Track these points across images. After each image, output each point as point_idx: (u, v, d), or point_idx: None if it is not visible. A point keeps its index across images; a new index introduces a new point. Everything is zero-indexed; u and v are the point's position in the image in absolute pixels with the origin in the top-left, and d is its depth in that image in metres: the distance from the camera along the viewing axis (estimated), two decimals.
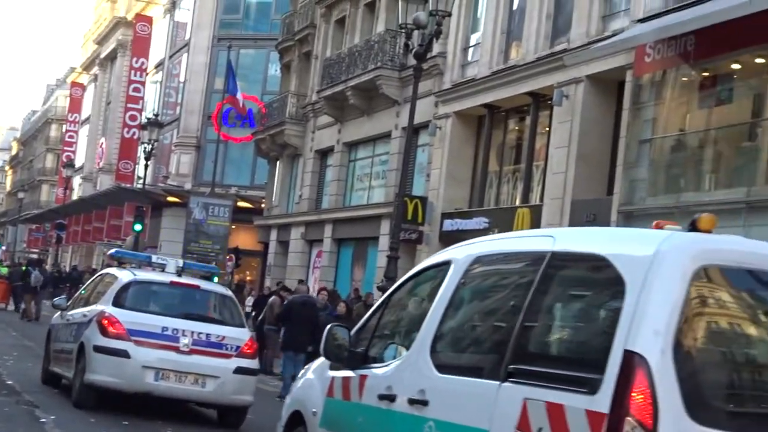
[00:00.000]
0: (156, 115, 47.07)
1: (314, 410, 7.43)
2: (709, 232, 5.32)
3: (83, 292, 16.67)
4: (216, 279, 16.00)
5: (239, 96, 43.59)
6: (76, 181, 79.11)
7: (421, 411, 6.09)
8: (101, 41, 77.47)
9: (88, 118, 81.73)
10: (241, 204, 45.06)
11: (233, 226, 42.67)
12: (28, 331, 27.65)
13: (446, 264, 6.68)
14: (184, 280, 14.92)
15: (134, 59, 62.01)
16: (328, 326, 7.42)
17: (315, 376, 7.74)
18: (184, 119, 53.04)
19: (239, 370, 13.69)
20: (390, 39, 30.92)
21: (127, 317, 13.73)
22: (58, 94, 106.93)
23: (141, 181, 46.83)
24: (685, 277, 4.95)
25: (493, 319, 6.15)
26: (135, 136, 58.78)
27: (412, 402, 6.19)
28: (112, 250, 18.03)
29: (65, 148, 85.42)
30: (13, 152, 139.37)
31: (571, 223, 21.75)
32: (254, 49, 50.53)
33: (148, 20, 62.59)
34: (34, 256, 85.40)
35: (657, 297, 4.91)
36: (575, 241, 5.91)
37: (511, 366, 5.47)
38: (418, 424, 6.06)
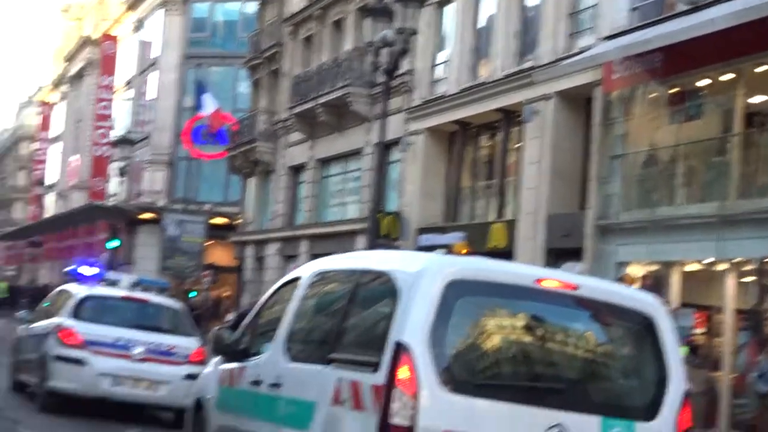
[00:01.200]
0: (128, 133, 46.72)
1: (209, 396, 9.22)
2: (460, 254, 7.38)
3: (45, 305, 17.67)
4: (164, 293, 17.40)
5: (209, 114, 43.19)
6: (50, 197, 78.48)
7: (277, 392, 7.90)
8: (70, 59, 76.86)
9: (59, 136, 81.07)
10: (216, 221, 44.77)
11: (209, 242, 42.39)
12: None
13: (297, 279, 8.58)
14: (135, 294, 16.24)
15: (102, 77, 61.56)
16: (215, 329, 9.61)
17: (212, 369, 9.54)
18: (156, 136, 52.65)
19: (189, 377, 14.16)
20: (358, 57, 30.78)
21: (84, 328, 14.90)
22: (28, 112, 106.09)
23: (113, 198, 46.47)
24: (439, 286, 6.71)
25: (323, 320, 7.95)
26: (106, 154, 58.32)
27: (270, 386, 8.00)
28: (67, 268, 19.41)
29: (37, 166, 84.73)
30: None
31: (547, 238, 21.75)
32: (223, 67, 50.25)
33: (114, 39, 62.14)
34: (12, 273, 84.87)
35: (419, 301, 6.68)
36: (375, 261, 7.98)
37: (330, 355, 7.28)
38: (275, 401, 7.89)
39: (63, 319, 15.28)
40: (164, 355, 14.91)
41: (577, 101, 21.93)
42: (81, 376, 14.61)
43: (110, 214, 47.27)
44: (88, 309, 15.45)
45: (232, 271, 43.29)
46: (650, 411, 7.00)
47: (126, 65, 60.59)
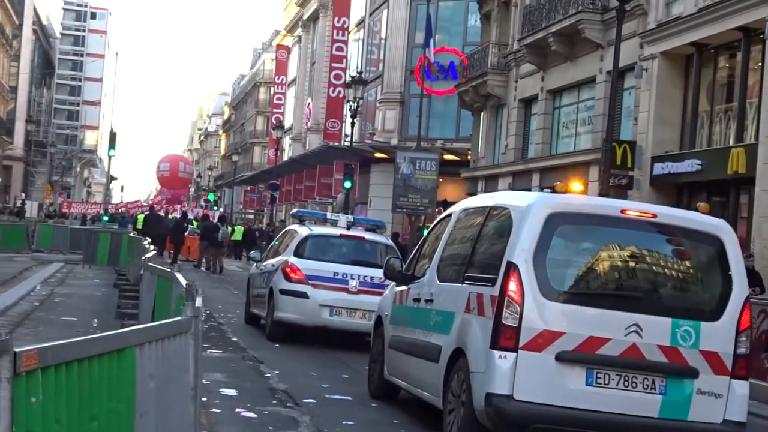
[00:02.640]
0: (360, 73, 47.64)
1: (386, 313, 11.77)
2: (563, 193, 9.31)
3: (274, 244, 19.89)
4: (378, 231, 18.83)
5: (430, 52, 43.44)
6: (286, 141, 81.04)
7: (430, 306, 10.22)
8: (303, 3, 78.82)
9: (294, 80, 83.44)
10: (447, 157, 45.23)
11: (440, 179, 42.86)
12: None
13: (450, 215, 10.92)
14: (352, 232, 17.80)
15: (336, 19, 62.74)
16: (387, 258, 12.15)
17: (388, 292, 12.13)
18: (387, 75, 53.51)
19: None
20: None
21: (306, 265, 16.78)
22: (265, 58, 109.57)
23: (348, 139, 47.55)
24: (542, 218, 8.63)
25: (462, 247, 10.17)
26: (340, 95, 59.65)
27: (426, 301, 10.35)
28: (293, 210, 22.35)
29: (274, 110, 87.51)
30: (225, 117, 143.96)
31: None
32: (453, 1, 50.42)
33: None
34: (251, 216, 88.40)
35: (525, 229, 8.62)
36: (498, 198, 10.26)
37: (465, 274, 9.53)
38: (429, 313, 10.18)
39: (288, 257, 17.15)
40: (377, 287, 15.86)
41: None
42: (303, 308, 16.47)
43: (345, 154, 48.42)
44: (310, 247, 17.23)
45: None
46: (715, 313, 8.75)
47: (358, 5, 61.62)
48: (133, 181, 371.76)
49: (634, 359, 8.49)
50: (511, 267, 8.50)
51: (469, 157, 42.50)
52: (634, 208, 9.14)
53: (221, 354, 14.55)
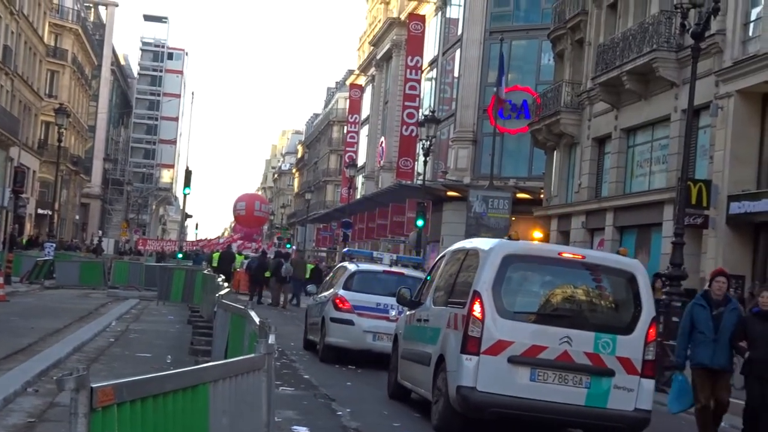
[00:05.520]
0: (432, 112, 47.77)
1: (400, 331, 14.91)
2: (517, 240, 12.17)
3: (328, 279, 22.87)
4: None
5: (502, 91, 43.49)
6: (359, 180, 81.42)
7: (426, 324, 13.28)
8: (376, 43, 79.40)
9: (367, 118, 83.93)
10: (520, 195, 45.10)
11: (513, 218, 42.76)
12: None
13: (444, 255, 14.10)
14: (393, 269, 20.32)
15: (409, 58, 63.05)
16: (398, 289, 15.40)
17: (402, 315, 15.38)
18: (460, 114, 53.59)
19: None
20: (665, 20, 30.13)
21: (353, 297, 19.27)
22: (338, 97, 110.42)
23: (421, 178, 47.61)
24: (498, 259, 11.59)
25: (448, 279, 13.14)
26: (413, 134, 59.85)
27: (424, 321, 13.43)
28: (345, 249, 26.59)
29: (347, 149, 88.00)
30: (299, 155, 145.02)
31: None
32: (526, 40, 50.46)
33: (421, 19, 63.59)
34: (323, 254, 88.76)
35: (487, 267, 11.60)
36: (473, 243, 13.30)
37: (448, 299, 12.54)
38: (426, 330, 13.22)
39: (338, 290, 19.67)
40: None
41: None
42: (350, 334, 18.99)
43: (417, 193, 48.50)
44: (357, 281, 19.72)
45: None
46: (629, 329, 11.64)
47: (430, 44, 61.89)
48: (208, 218, 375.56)
49: (565, 362, 11.34)
50: (476, 294, 11.50)
51: (542, 196, 42.33)
52: (569, 251, 12.34)
53: (293, 391, 14.66)
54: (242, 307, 11.84)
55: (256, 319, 9.87)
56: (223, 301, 14.74)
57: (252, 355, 6.81)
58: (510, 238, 12.18)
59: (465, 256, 12.71)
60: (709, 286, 12.86)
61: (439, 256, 14.52)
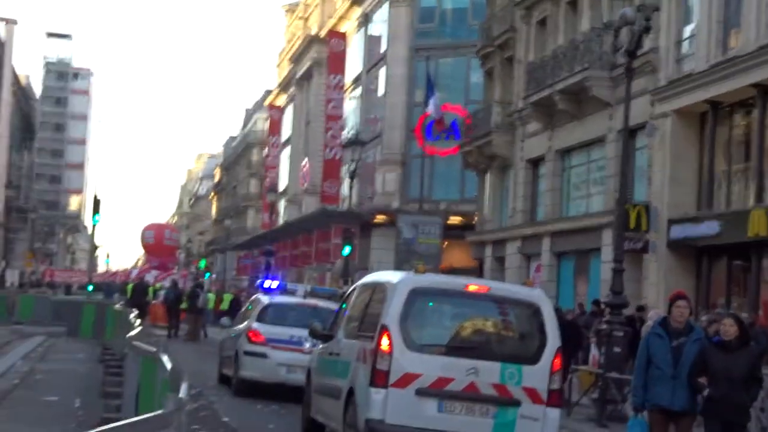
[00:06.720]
0: (357, 134, 47.79)
1: (314, 365, 15.25)
2: (423, 273, 12.70)
3: (242, 311, 23.53)
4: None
5: (431, 108, 43.65)
6: (281, 204, 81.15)
7: (337, 357, 13.63)
8: (296, 60, 79.31)
9: (288, 140, 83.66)
10: (452, 220, 45.34)
11: (445, 243, 42.97)
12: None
13: (354, 289, 14.58)
14: (307, 301, 21.39)
15: (331, 76, 63.05)
16: (310, 323, 15.89)
17: (316, 349, 15.77)
18: (387, 135, 53.66)
19: None
20: (596, 37, 30.58)
21: (267, 329, 20.07)
22: (257, 117, 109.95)
23: (346, 202, 47.61)
24: (406, 292, 12.15)
25: (357, 313, 13.60)
26: (337, 156, 59.84)
27: (336, 354, 13.78)
28: (258, 281, 27.78)
29: (268, 172, 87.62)
30: (216, 179, 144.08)
31: None
32: (453, 57, 50.79)
33: (342, 36, 63.70)
34: (245, 283, 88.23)
35: (394, 300, 12.13)
36: (381, 276, 14.19)
37: (358, 332, 13.04)
38: (337, 363, 13.57)
39: (251, 323, 20.46)
40: None
41: None
42: (264, 367, 19.71)
43: (343, 218, 48.50)
44: (270, 314, 20.59)
45: (470, 273, 43.73)
46: (534, 359, 12.12)
47: (353, 62, 61.98)
48: (120, 247, 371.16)
49: (472, 393, 11.87)
50: (384, 327, 11.99)
51: (475, 220, 42.57)
52: (474, 283, 12.99)
53: None
54: (153, 350, 11.54)
55: (168, 365, 9.69)
56: (133, 343, 14.40)
57: (160, 411, 6.73)
58: (416, 272, 12.71)
59: (374, 290, 13.26)
60: (669, 312, 11.50)
61: (350, 290, 15.13)
